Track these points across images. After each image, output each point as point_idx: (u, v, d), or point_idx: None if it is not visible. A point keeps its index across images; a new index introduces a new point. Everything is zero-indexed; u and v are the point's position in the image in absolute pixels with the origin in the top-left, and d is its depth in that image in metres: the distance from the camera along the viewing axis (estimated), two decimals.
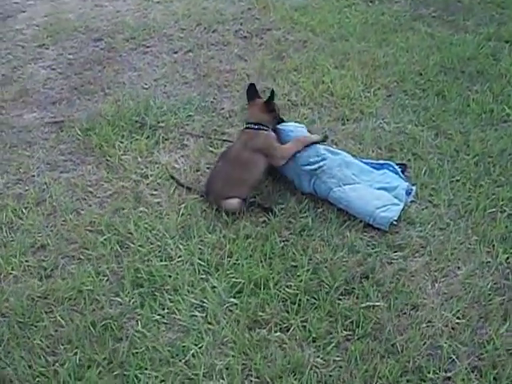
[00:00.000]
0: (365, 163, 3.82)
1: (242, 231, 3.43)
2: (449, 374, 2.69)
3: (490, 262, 3.22)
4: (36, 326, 2.99)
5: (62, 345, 2.89)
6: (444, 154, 3.98)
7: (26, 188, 3.92)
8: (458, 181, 3.75)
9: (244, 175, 3.60)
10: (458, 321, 2.90)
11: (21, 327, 2.99)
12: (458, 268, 3.19)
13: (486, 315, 2.93)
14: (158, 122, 4.45)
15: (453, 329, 2.87)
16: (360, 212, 3.45)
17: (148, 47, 5.58)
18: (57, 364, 2.80)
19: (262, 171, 3.63)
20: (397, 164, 3.82)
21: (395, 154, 4.00)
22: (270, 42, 5.48)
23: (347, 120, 4.37)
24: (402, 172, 3.77)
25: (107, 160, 4.12)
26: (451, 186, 3.70)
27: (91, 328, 2.95)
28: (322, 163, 3.59)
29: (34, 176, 4.03)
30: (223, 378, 2.70)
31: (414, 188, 3.68)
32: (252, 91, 3.79)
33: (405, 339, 2.82)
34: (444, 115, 4.36)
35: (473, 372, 2.69)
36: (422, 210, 3.56)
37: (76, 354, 2.84)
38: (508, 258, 3.23)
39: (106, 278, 3.23)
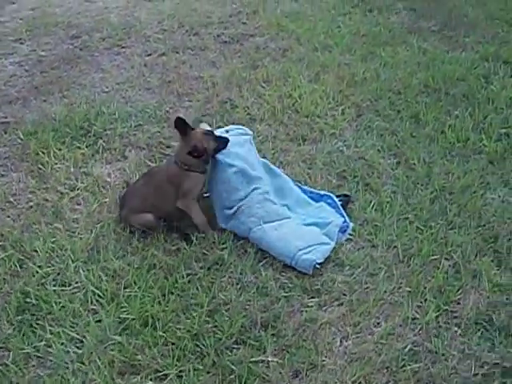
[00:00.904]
0: (303, 191, 3.44)
1: (149, 259, 3.08)
2: None
3: (416, 318, 2.78)
4: None
5: None
6: (400, 187, 3.54)
7: None
8: (406, 219, 3.32)
9: (160, 203, 3.25)
10: None
11: None
12: (377, 324, 2.76)
13: None
14: (105, 130, 4.15)
15: None
16: (281, 254, 3.07)
17: (123, 48, 5.31)
18: None
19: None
20: (339, 196, 3.42)
21: (345, 183, 3.60)
22: (248, 50, 5.12)
23: (304, 140, 3.98)
24: (345, 204, 3.36)
25: (39, 168, 3.83)
26: (397, 225, 3.27)
27: None
28: (240, 203, 3.23)
29: None
30: None
31: (350, 225, 3.27)
32: (181, 124, 3.26)
33: None
34: (412, 142, 3.92)
35: None
36: (357, 250, 3.15)
37: None
38: (438, 316, 2.78)
39: None
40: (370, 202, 3.43)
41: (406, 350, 2.63)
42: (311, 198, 3.43)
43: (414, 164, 3.73)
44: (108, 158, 3.93)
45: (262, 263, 3.08)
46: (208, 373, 2.57)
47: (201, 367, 2.58)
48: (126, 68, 4.97)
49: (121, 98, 4.57)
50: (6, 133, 4.21)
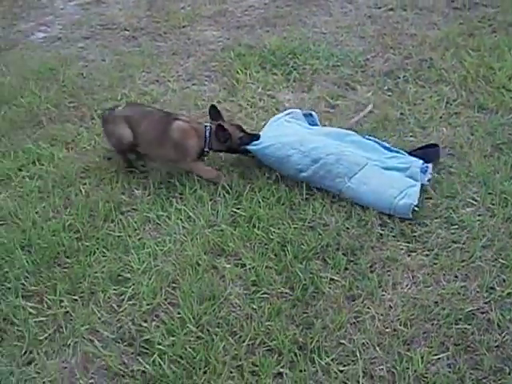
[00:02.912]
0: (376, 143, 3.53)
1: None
2: None
3: (493, 289, 2.73)
4: None
5: None
6: None
7: None
8: None
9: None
10: None
11: None
12: (452, 281, 2.79)
13: None
14: (304, 64, 4.51)
15: None
16: (377, 205, 3.14)
17: None
18: None
19: None
20: (427, 146, 3.51)
21: (500, 155, 3.49)
22: (473, 18, 5.01)
23: (482, 109, 3.91)
24: (434, 156, 3.45)
25: (233, 84, 4.43)
26: None
27: None
28: (315, 167, 3.27)
29: None
30: None
31: (430, 165, 3.29)
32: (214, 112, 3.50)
33: None
34: None
35: None
36: (476, 215, 3.12)
37: None
38: None
39: None
40: None
41: (466, 311, 2.62)
42: (385, 149, 3.48)
43: None
44: (295, 87, 4.30)
45: None
46: (279, 274, 2.85)
47: (275, 267, 2.87)
48: (352, 16, 5.23)
49: (333, 41, 4.87)
50: (222, 50, 4.79)
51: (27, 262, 3.02)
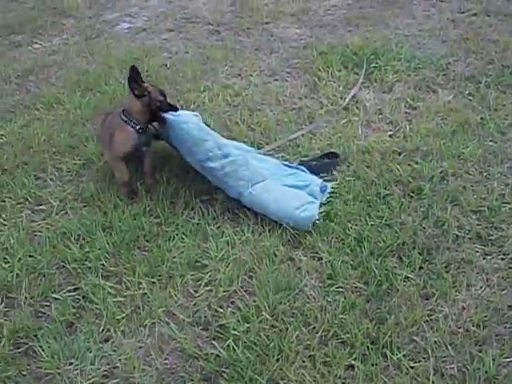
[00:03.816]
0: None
1: None
2: None
3: None
4: None
5: None
6: None
7: None
8: None
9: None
10: None
11: None
12: None
13: None
14: (386, 65, 4.56)
15: None
16: (277, 215, 3.16)
17: (441, 1, 5.53)
18: None
19: None
20: (326, 154, 3.60)
21: None
22: None
23: None
24: (333, 164, 3.56)
25: (314, 81, 4.47)
26: None
27: None
28: (224, 162, 3.27)
29: None
30: None
31: (328, 185, 3.35)
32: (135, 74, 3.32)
33: None
34: None
35: None
36: None
37: None
38: None
39: None
40: None
41: None
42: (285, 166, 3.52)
43: None
44: (376, 87, 4.35)
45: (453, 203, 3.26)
46: (354, 269, 2.92)
47: (351, 262, 2.95)
48: (435, 20, 5.24)
49: (415, 43, 4.89)
50: (304, 48, 4.90)
51: (107, 243, 3.14)
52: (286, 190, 3.31)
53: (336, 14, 5.48)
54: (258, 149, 3.69)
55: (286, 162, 3.57)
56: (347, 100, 4.08)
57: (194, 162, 3.34)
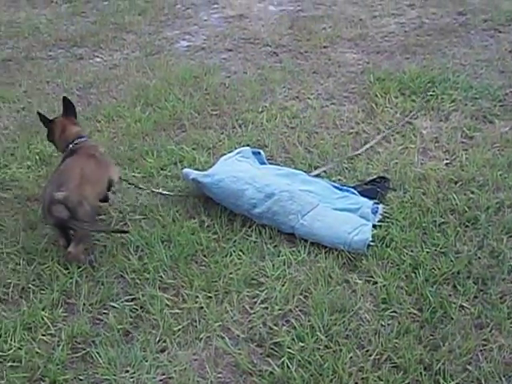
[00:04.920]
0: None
1: None
2: None
3: None
4: None
5: None
6: None
7: None
8: None
9: None
10: None
11: None
12: None
13: None
14: (442, 94, 4.60)
15: None
16: (332, 242, 3.19)
17: (500, 32, 5.58)
18: None
19: None
20: (375, 179, 3.62)
21: None
22: None
23: None
24: (384, 188, 3.56)
25: (372, 107, 4.51)
26: None
27: None
28: (269, 203, 3.32)
29: None
30: None
31: (380, 206, 3.37)
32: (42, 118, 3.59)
33: None
34: None
35: None
36: None
37: None
38: None
39: None
40: None
41: None
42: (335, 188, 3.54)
43: None
44: (433, 115, 4.38)
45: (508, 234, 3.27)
46: (409, 295, 2.94)
47: (406, 287, 2.97)
48: (492, 50, 5.25)
49: (472, 73, 4.91)
50: (361, 73, 4.98)
51: (166, 255, 3.21)
52: (338, 214, 3.34)
53: (393, 40, 5.54)
54: (307, 172, 3.75)
55: (337, 184, 3.61)
56: (363, 149, 4.03)
57: (241, 212, 3.41)
